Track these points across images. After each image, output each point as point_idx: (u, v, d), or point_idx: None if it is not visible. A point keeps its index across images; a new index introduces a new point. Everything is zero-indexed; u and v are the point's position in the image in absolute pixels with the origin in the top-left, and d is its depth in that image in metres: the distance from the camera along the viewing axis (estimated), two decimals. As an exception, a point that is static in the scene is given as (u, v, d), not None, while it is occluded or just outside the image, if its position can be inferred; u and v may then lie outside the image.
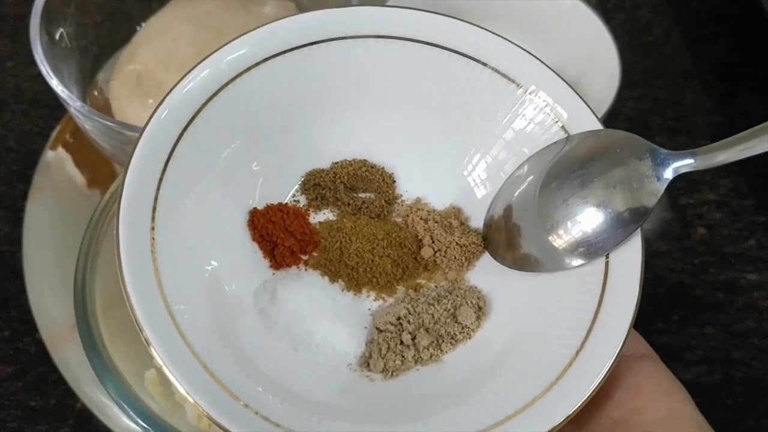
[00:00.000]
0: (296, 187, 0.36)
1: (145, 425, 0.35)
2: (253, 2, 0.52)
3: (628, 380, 0.29)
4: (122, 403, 0.37)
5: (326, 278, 0.34)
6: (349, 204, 0.36)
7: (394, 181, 0.37)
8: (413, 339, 0.32)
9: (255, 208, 0.34)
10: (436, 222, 0.35)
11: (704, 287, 0.55)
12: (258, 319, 0.32)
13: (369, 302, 0.34)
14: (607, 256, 0.31)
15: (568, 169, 0.32)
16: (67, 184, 0.54)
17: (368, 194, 0.37)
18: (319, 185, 0.36)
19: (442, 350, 0.32)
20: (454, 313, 0.33)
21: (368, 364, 0.32)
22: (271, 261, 0.34)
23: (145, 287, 0.28)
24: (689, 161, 0.30)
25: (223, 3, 0.51)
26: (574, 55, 0.55)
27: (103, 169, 0.54)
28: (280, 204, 0.35)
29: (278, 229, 0.34)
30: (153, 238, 0.29)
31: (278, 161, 0.35)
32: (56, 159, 0.55)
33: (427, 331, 0.32)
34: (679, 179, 0.58)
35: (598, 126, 0.33)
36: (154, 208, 0.29)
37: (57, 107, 0.58)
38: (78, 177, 0.55)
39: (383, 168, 0.37)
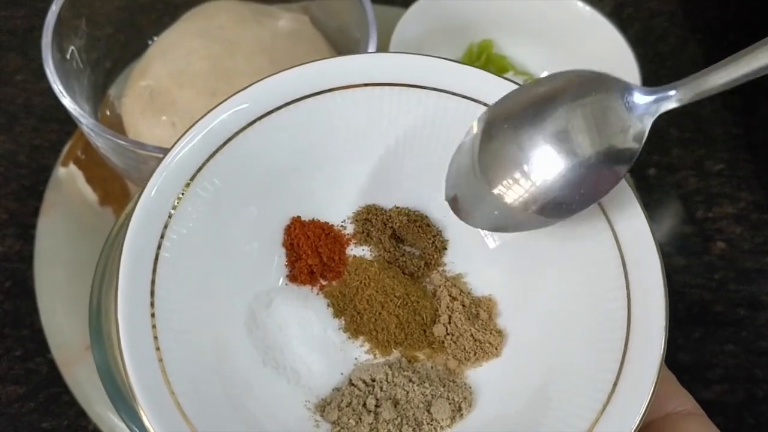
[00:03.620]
0: (351, 214, 0.35)
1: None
2: (266, 16, 0.51)
3: None
4: (135, 429, 0.36)
5: (331, 310, 0.34)
6: (389, 251, 0.35)
7: (445, 249, 0.35)
8: (377, 407, 0.30)
9: (298, 217, 0.34)
10: (464, 306, 0.33)
11: (725, 303, 0.54)
12: (244, 320, 0.32)
13: (359, 352, 0.33)
14: (628, 322, 0.28)
15: (524, 108, 0.28)
16: (79, 201, 0.54)
17: (414, 249, 0.35)
18: (369, 221, 0.35)
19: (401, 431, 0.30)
20: (430, 402, 0.31)
21: (323, 410, 0.31)
22: (290, 271, 0.34)
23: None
24: (671, 93, 0.27)
25: (235, 17, 0.50)
26: (592, 66, 0.54)
27: (115, 186, 0.54)
28: (324, 223, 0.35)
29: (308, 245, 0.34)
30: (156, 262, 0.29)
31: (337, 186, 0.35)
32: (68, 175, 0.55)
33: (395, 406, 0.31)
34: (698, 194, 0.58)
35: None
36: (166, 226, 0.29)
37: (68, 122, 0.57)
38: (90, 194, 0.54)
39: (440, 231, 0.35)
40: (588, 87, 0.27)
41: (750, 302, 0.54)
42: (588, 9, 0.53)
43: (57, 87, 0.44)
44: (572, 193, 0.27)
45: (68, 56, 0.47)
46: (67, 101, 0.43)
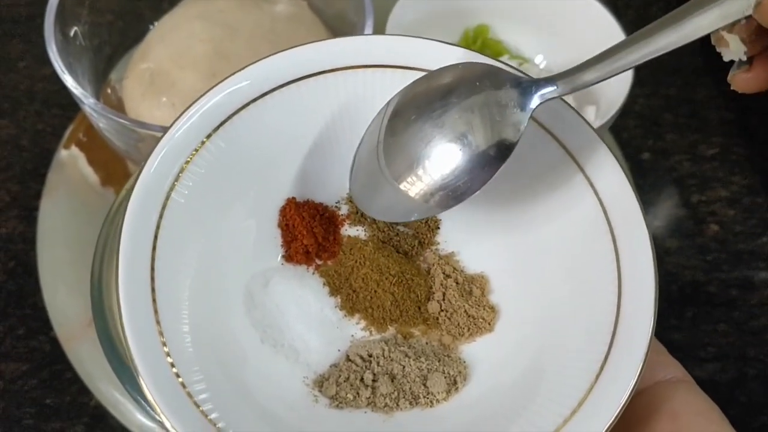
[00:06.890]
0: (345, 195, 0.36)
1: (162, 421, 0.35)
2: (264, 0, 0.52)
3: (664, 405, 0.29)
4: (140, 399, 0.37)
5: (327, 289, 0.34)
6: (383, 231, 0.35)
7: (438, 228, 0.36)
8: (374, 381, 0.31)
9: (293, 198, 0.35)
10: (457, 282, 0.34)
11: (717, 284, 0.55)
12: (242, 299, 0.32)
13: (356, 329, 0.33)
14: (618, 305, 0.29)
15: (426, 101, 0.29)
16: (81, 182, 0.54)
17: (407, 229, 0.36)
18: None
19: (398, 405, 0.31)
20: (426, 376, 0.31)
21: (322, 385, 0.31)
22: (286, 251, 0.34)
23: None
24: (551, 88, 0.28)
25: (235, 1, 0.51)
26: (587, 52, 0.55)
27: (116, 168, 0.55)
28: (319, 204, 0.35)
29: (303, 225, 0.34)
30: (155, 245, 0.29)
31: (331, 166, 0.35)
32: (70, 158, 0.56)
33: (392, 381, 0.31)
34: (692, 178, 0.58)
35: (607, 152, 0.31)
36: (161, 215, 0.30)
37: (70, 107, 0.58)
38: (91, 175, 0.55)
39: None
40: (482, 81, 0.29)
41: (742, 283, 0.55)
42: (583, -6, 0.54)
43: (59, 67, 0.44)
44: (463, 182, 0.29)
45: (71, 35, 0.48)
46: (69, 80, 0.44)
